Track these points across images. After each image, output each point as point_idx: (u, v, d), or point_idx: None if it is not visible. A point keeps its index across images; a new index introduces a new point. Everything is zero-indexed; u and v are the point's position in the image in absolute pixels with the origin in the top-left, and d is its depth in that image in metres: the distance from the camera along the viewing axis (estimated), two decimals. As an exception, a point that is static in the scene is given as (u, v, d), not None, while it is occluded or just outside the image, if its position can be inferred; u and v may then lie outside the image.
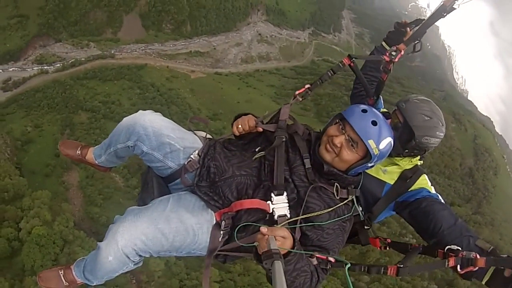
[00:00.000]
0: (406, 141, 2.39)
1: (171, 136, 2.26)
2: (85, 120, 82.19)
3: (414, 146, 2.40)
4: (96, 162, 2.68)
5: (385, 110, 2.82)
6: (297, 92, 2.52)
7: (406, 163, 2.53)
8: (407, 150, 2.44)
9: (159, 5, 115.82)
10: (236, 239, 2.02)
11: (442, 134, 2.42)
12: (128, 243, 1.94)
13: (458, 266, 1.83)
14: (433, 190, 2.48)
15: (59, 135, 74.20)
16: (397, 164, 2.53)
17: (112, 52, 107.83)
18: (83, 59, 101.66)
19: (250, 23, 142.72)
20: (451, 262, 1.84)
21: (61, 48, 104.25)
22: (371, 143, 2.04)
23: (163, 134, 2.24)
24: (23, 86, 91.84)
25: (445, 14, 2.18)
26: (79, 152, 2.73)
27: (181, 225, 2.03)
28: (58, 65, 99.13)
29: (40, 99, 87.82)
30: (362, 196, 2.40)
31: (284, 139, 2.22)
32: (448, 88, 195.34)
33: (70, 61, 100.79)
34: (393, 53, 2.43)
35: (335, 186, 2.15)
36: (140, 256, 2.05)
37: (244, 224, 2.07)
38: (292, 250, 1.70)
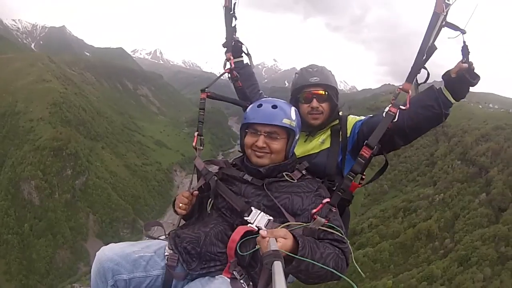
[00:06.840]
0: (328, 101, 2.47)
1: (136, 250, 2.10)
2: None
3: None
4: None
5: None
6: (193, 144, 2.55)
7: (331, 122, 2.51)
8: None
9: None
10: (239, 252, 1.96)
11: (311, 69, 2.47)
12: None
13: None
14: (363, 117, 2.45)
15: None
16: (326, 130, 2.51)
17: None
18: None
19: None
20: (392, 110, 1.96)
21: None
22: (286, 121, 2.14)
23: (129, 253, 2.05)
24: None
25: (443, 24, 1.90)
26: None
27: None
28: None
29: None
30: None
31: (216, 178, 2.25)
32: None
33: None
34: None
35: (284, 174, 2.17)
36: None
37: (247, 254, 1.95)
38: (289, 253, 1.64)
